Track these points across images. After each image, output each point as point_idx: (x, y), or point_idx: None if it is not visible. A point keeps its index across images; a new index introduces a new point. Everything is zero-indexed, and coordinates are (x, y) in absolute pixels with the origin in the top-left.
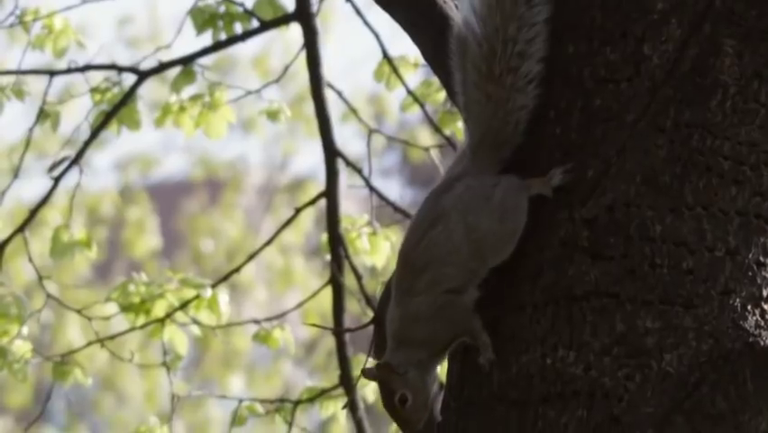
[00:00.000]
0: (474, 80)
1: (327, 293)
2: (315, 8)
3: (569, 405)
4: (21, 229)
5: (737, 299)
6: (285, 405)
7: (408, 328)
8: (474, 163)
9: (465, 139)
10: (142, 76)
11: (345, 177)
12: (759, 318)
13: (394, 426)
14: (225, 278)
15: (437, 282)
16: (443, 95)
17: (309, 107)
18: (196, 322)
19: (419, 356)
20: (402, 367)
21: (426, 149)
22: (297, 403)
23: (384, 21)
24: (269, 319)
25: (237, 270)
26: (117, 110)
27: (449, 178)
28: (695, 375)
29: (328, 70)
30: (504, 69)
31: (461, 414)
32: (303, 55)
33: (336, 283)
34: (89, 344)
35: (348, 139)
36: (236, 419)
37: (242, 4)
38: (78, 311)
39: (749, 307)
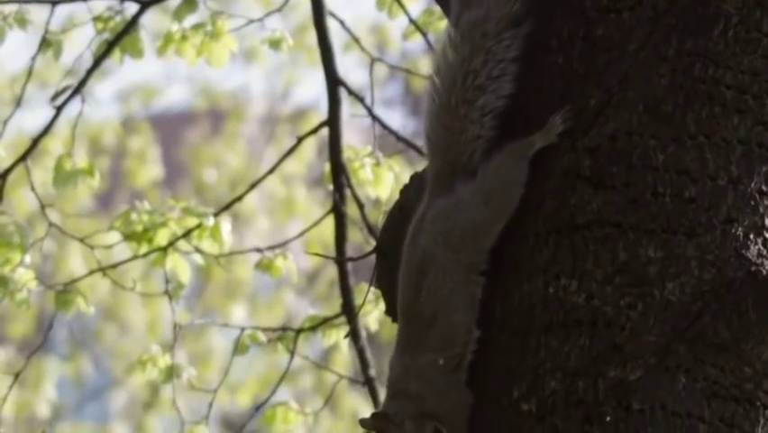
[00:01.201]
0: (434, 110)
1: (329, 223)
2: None
3: (571, 334)
4: (23, 158)
5: (740, 228)
6: (287, 334)
7: (407, 381)
8: (434, 194)
9: (428, 171)
10: (145, 5)
11: (347, 106)
12: (761, 247)
13: None
14: (228, 207)
15: (449, 341)
16: (444, 24)
17: (311, 37)
18: (198, 251)
19: (413, 410)
20: (399, 417)
21: (429, 78)
22: (299, 332)
23: None
24: (271, 248)
25: (239, 198)
26: (120, 39)
27: (417, 220)
28: (697, 304)
29: None
30: (460, 100)
31: None
32: None
33: (338, 212)
34: (91, 272)
35: (350, 69)
36: (238, 348)
37: None
38: (81, 240)
39: (751, 236)
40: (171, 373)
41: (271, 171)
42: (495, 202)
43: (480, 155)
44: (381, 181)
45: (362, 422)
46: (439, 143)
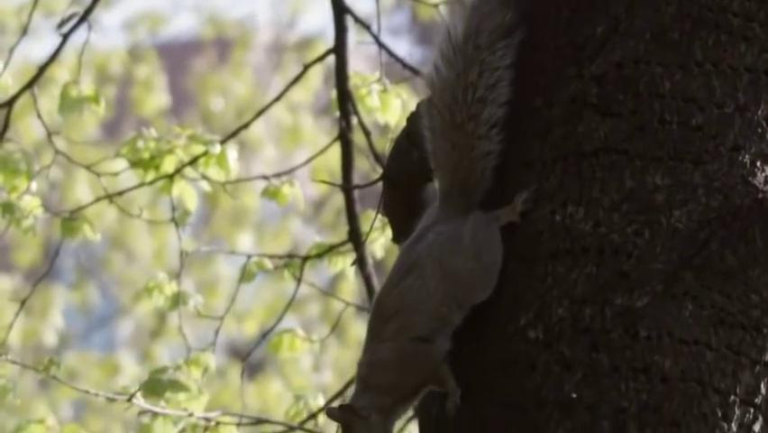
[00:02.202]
0: (439, 127)
1: (336, 151)
2: None
3: (578, 261)
4: (29, 86)
5: (746, 156)
6: (293, 261)
7: (375, 374)
8: (444, 211)
9: (437, 188)
10: None
11: (354, 35)
12: None
13: None
14: (234, 134)
15: (404, 329)
16: None
17: None
18: (205, 178)
19: (384, 402)
20: (365, 411)
21: (435, 6)
22: (305, 259)
23: None
24: (277, 175)
25: (246, 126)
26: None
27: (422, 228)
28: (704, 231)
29: None
30: (465, 116)
31: None
32: None
33: (345, 140)
34: (98, 200)
35: None
36: (245, 275)
37: None
38: (87, 168)
39: (758, 163)
40: (178, 300)
41: (278, 99)
42: (486, 259)
43: (490, 172)
44: (389, 108)
45: (329, 412)
46: (448, 161)
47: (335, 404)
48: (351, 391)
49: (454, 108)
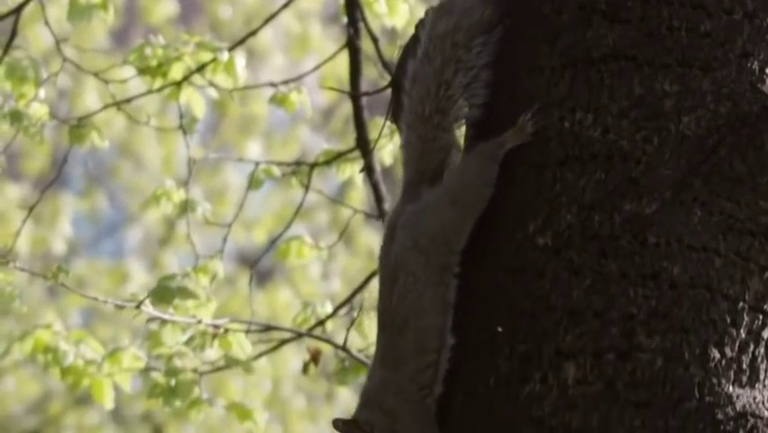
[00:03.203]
0: (409, 121)
1: (344, 59)
2: None
3: (587, 168)
4: None
5: (755, 62)
6: (301, 168)
7: (384, 394)
8: (404, 201)
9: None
10: None
11: None
12: None
13: None
14: (242, 41)
15: (422, 344)
16: None
17: None
18: (212, 85)
19: (383, 423)
20: (368, 426)
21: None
22: (313, 166)
23: None
24: (285, 82)
25: (254, 33)
26: None
27: (390, 228)
28: (713, 138)
29: None
30: (433, 109)
31: None
32: None
33: (353, 47)
34: (106, 107)
35: None
36: (253, 183)
37: None
38: (95, 75)
39: (767, 70)
40: (186, 207)
41: (286, 6)
42: (463, 201)
43: (448, 162)
44: (396, 12)
45: (334, 424)
46: (414, 153)
47: (342, 308)
48: (358, 298)
49: (426, 101)
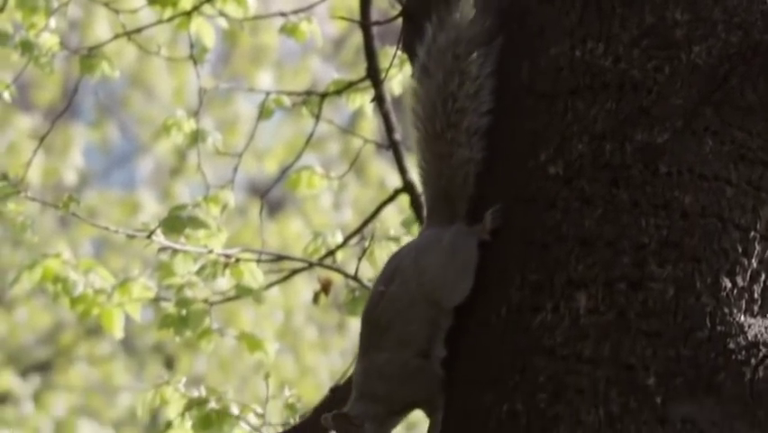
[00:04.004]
0: (421, 139)
1: None
2: None
3: (598, 97)
4: None
5: None
6: (312, 98)
7: (370, 383)
8: (429, 221)
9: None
10: None
11: None
12: None
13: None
14: None
15: (405, 343)
16: None
17: None
18: (223, 15)
19: (377, 411)
20: (359, 419)
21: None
22: (324, 96)
23: None
24: (296, 12)
25: None
26: None
27: (416, 237)
28: (724, 67)
29: None
30: (445, 125)
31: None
32: None
33: None
34: (117, 36)
35: None
36: (263, 112)
37: None
38: (106, 5)
39: None
40: (197, 137)
41: None
42: (459, 259)
43: (473, 179)
44: None
45: (324, 420)
46: (431, 170)
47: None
48: (369, 228)
49: (435, 118)
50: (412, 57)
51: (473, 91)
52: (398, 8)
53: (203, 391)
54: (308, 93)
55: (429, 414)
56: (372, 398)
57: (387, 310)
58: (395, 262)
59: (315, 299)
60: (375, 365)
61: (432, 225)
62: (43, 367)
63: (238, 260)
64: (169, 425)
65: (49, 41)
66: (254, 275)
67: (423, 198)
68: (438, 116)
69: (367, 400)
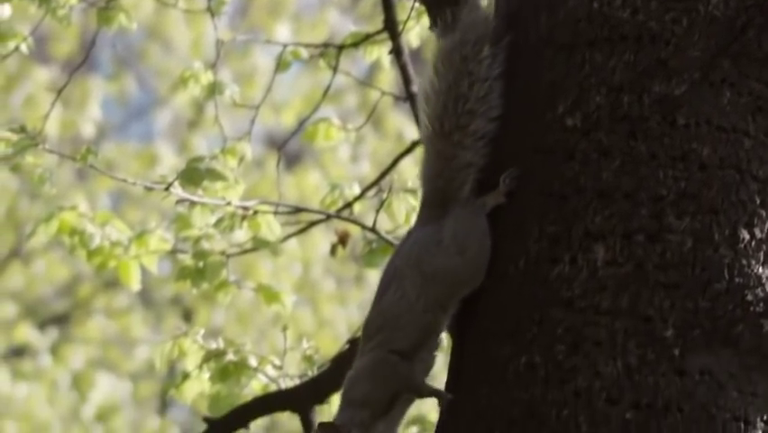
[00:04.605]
0: (427, 137)
1: None
2: None
3: (616, 49)
4: None
5: None
6: (330, 50)
7: (351, 388)
8: (421, 220)
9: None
10: None
11: None
12: None
13: None
14: None
15: (385, 343)
16: None
17: None
18: None
19: (362, 417)
20: (345, 427)
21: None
22: (341, 48)
23: None
24: None
25: None
26: None
27: (403, 240)
28: (741, 19)
29: None
30: (453, 126)
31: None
32: None
33: None
34: None
35: None
36: (281, 65)
37: None
38: None
39: None
40: (214, 90)
41: None
42: (470, 253)
43: (470, 186)
44: None
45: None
46: (431, 169)
47: (354, 225)
48: (387, 180)
49: (444, 118)
50: (429, 8)
51: (483, 94)
52: None
53: (221, 343)
54: (326, 45)
55: (419, 395)
56: (355, 403)
57: (378, 318)
58: (391, 270)
59: (333, 251)
60: (354, 370)
61: (423, 224)
62: (61, 320)
63: (255, 212)
64: (186, 376)
65: None
66: (271, 227)
67: (421, 194)
68: (448, 116)
69: (351, 407)
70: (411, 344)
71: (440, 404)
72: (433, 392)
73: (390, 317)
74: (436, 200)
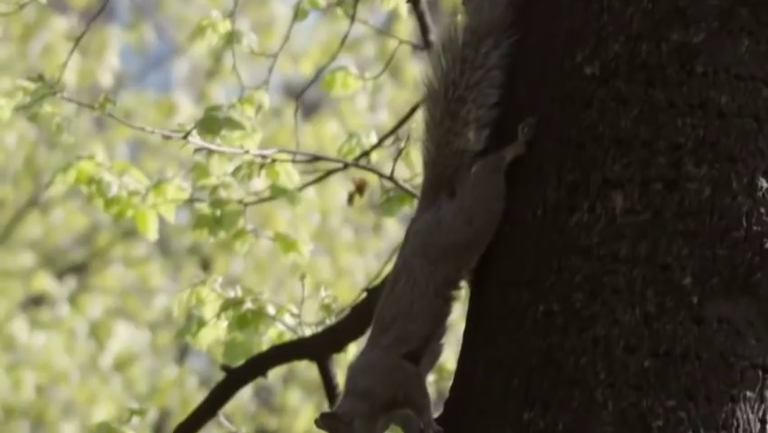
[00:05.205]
0: (426, 125)
1: None
2: None
3: None
4: None
5: None
6: None
7: (356, 378)
8: (421, 208)
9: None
10: None
11: None
12: None
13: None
14: None
15: (401, 340)
16: None
17: None
18: None
19: (362, 408)
20: (347, 416)
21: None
22: None
23: None
24: None
25: None
26: None
27: (406, 232)
28: None
29: None
30: (444, 112)
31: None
32: None
33: None
34: None
35: None
36: (298, 13)
37: None
38: None
39: None
40: (232, 38)
41: None
42: (478, 222)
43: (465, 170)
44: None
45: (315, 422)
46: (429, 157)
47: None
48: (404, 128)
49: (437, 105)
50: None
51: (474, 82)
52: None
53: (239, 292)
54: None
55: (416, 412)
56: (357, 394)
57: (391, 308)
58: (400, 262)
59: (350, 199)
60: (362, 361)
61: (422, 211)
62: (79, 269)
63: (273, 160)
64: (201, 322)
65: None
66: (290, 176)
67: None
68: (440, 104)
69: (353, 397)
70: (424, 335)
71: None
72: (428, 422)
73: (404, 304)
74: (433, 186)
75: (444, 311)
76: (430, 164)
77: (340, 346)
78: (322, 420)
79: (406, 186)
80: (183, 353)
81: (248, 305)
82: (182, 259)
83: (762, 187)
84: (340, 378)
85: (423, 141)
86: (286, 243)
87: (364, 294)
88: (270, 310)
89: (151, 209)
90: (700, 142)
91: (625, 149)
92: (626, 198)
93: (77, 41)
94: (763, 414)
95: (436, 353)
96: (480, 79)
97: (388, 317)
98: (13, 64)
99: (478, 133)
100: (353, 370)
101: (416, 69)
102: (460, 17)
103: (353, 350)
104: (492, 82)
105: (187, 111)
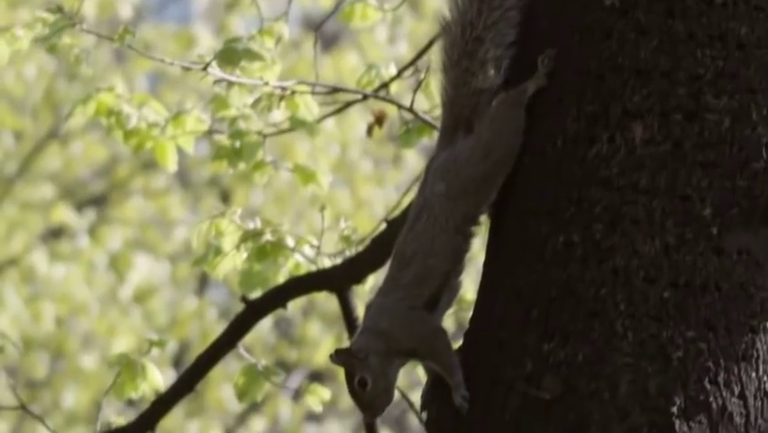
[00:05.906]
0: (443, 65)
1: None
2: None
3: None
4: None
5: None
6: None
7: (375, 317)
8: (440, 146)
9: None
10: None
11: None
12: None
13: None
14: None
15: (422, 279)
16: None
17: None
18: None
19: (378, 346)
20: (362, 352)
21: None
22: None
23: None
24: None
25: None
26: None
27: (426, 172)
28: None
29: None
30: (461, 53)
31: None
32: None
33: None
34: None
35: None
36: None
37: None
38: None
39: None
40: None
41: None
42: (496, 155)
43: (484, 108)
44: None
45: (330, 358)
46: (446, 98)
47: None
48: (424, 60)
49: (455, 46)
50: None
51: (491, 22)
52: None
53: (258, 224)
54: None
55: (444, 372)
56: (374, 332)
57: (411, 244)
58: (421, 201)
59: (369, 131)
60: (387, 301)
61: (440, 150)
62: (98, 201)
63: (293, 92)
64: (218, 252)
65: None
66: (309, 107)
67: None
68: (457, 44)
69: (370, 335)
70: (444, 272)
71: (456, 396)
72: (458, 383)
73: (425, 241)
74: (451, 126)
75: (464, 248)
76: (448, 104)
77: (360, 278)
78: (336, 356)
79: (426, 117)
80: (202, 284)
81: (267, 237)
82: (201, 191)
83: None
84: (360, 309)
85: (440, 81)
86: (305, 174)
87: (384, 225)
88: (290, 242)
89: (171, 141)
90: (720, 73)
91: (644, 80)
92: (645, 128)
93: None
94: None
95: (455, 290)
96: (498, 19)
97: (409, 253)
98: None
99: (496, 71)
100: (373, 308)
101: (436, 1)
102: None
103: (373, 281)
104: (510, 22)
105: (207, 43)
